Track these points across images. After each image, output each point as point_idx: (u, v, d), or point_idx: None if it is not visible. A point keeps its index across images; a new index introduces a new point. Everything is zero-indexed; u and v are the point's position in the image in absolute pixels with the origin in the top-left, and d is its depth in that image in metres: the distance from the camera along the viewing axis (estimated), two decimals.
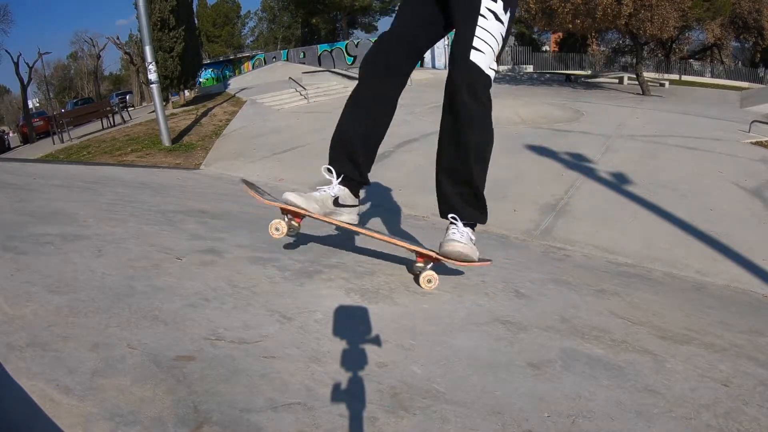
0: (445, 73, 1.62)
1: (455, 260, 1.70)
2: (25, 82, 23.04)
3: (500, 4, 1.52)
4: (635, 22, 14.58)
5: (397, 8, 1.82)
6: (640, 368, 1.36)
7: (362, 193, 1.91)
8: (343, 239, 2.48)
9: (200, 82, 24.48)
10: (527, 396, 1.15)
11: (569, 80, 20.77)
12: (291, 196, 1.64)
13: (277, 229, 1.66)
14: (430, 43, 1.76)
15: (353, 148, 1.74)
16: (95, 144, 11.05)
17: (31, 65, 24.80)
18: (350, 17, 35.04)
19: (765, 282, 3.44)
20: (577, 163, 6.45)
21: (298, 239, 2.23)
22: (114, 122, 14.12)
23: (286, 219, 1.69)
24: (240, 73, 29.99)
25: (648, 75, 18.55)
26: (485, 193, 1.76)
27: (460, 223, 1.73)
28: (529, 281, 2.27)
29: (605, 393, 1.20)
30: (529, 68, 25.28)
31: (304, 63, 26.05)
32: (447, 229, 1.76)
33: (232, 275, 1.70)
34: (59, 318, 1.22)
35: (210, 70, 33.51)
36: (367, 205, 3.62)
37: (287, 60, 28.19)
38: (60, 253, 1.71)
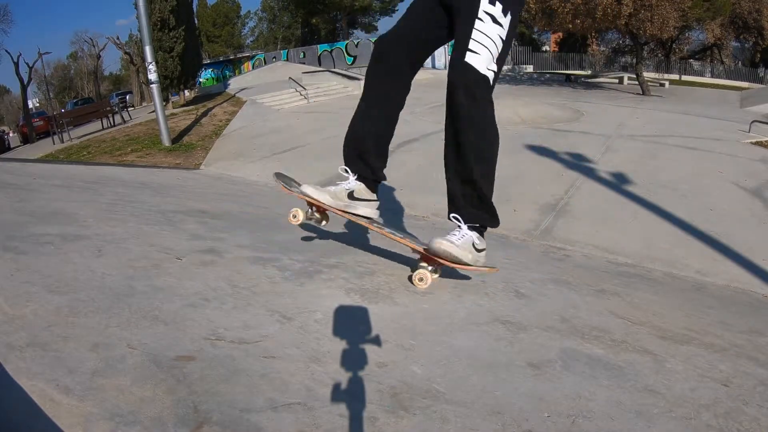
0: (445, 73, 1.62)
1: (443, 259, 1.67)
2: (25, 82, 23.07)
3: (499, 7, 1.53)
4: (635, 22, 14.58)
5: (401, 9, 1.84)
6: (640, 368, 1.36)
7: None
8: (343, 239, 2.48)
9: (200, 82, 24.48)
10: (527, 396, 1.15)
11: (569, 80, 20.77)
12: (306, 188, 1.80)
13: (294, 216, 1.83)
14: (432, 45, 1.77)
15: (363, 148, 1.82)
16: (95, 144, 11.05)
17: (31, 65, 24.83)
18: (350, 17, 35.04)
19: (765, 282, 3.44)
20: (577, 163, 6.45)
21: (297, 240, 2.22)
22: (114, 122, 14.12)
23: (310, 210, 1.85)
24: (240, 73, 29.99)
25: (648, 75, 18.55)
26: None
27: (464, 226, 1.70)
28: (529, 281, 2.27)
29: (605, 393, 1.20)
30: (529, 68, 25.28)
31: (304, 63, 26.05)
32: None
33: (232, 275, 1.70)
34: (59, 318, 1.22)
35: (210, 70, 33.51)
36: None
37: (287, 60, 28.20)
38: (60, 253, 1.71)
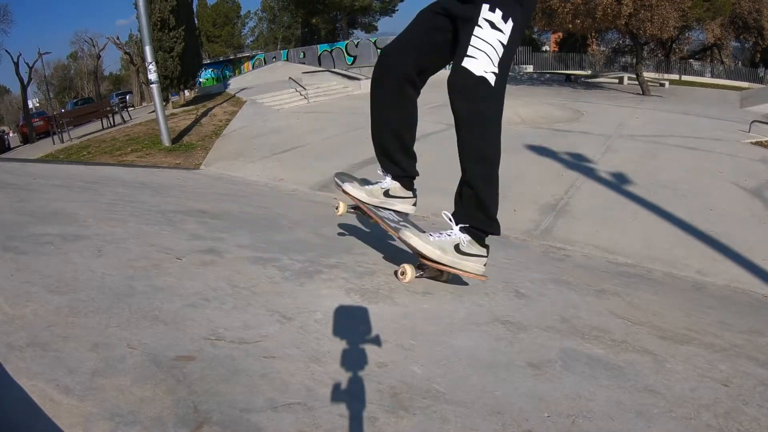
0: (446, 74, 1.63)
1: (409, 248, 1.73)
2: (25, 82, 23.04)
3: (499, 13, 1.54)
4: (635, 22, 14.59)
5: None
6: (640, 368, 1.36)
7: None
8: (343, 239, 2.48)
9: (200, 82, 24.49)
10: (527, 396, 1.15)
11: (569, 80, 20.77)
12: (347, 185, 2.00)
13: (336, 207, 2.05)
14: (438, 49, 1.74)
15: (389, 152, 1.93)
16: (95, 144, 11.04)
17: (31, 65, 24.80)
18: (350, 17, 35.03)
19: (765, 282, 3.44)
20: (577, 163, 6.45)
21: (297, 240, 2.22)
22: (114, 122, 14.12)
23: (349, 204, 2.05)
24: (240, 73, 30.01)
25: (648, 75, 18.55)
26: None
27: (455, 226, 1.69)
28: (529, 281, 2.27)
29: (605, 393, 1.20)
30: (529, 68, 25.28)
31: (304, 63, 26.05)
32: None
33: (232, 275, 1.70)
34: (59, 318, 1.22)
35: (210, 70, 33.53)
36: None
37: (287, 60, 28.21)
38: (60, 253, 1.71)
